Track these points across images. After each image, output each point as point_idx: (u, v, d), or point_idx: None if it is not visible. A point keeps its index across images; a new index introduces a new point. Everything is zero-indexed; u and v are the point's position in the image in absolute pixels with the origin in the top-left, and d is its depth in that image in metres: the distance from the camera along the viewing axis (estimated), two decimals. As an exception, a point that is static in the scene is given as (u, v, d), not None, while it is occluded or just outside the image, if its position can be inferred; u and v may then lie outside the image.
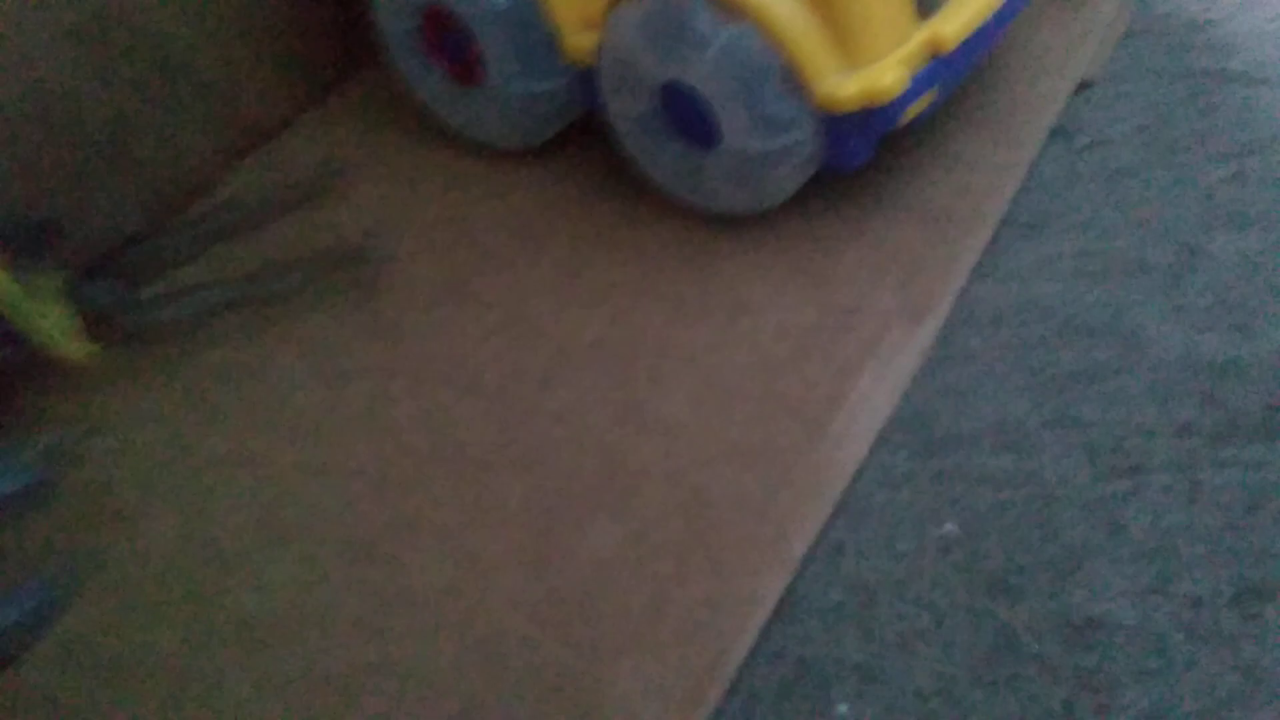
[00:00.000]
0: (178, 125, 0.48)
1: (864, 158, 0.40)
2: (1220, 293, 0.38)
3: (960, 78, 0.42)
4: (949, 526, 0.34)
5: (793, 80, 0.37)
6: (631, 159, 0.43)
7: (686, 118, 0.40)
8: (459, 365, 0.39)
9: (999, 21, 0.41)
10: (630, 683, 0.30)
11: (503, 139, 0.47)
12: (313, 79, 0.53)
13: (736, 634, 0.31)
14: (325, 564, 0.34)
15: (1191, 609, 0.31)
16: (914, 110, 0.39)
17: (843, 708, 0.30)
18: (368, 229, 0.43)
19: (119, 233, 0.46)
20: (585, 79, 0.43)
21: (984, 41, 0.41)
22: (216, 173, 0.49)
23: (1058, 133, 0.44)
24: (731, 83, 0.38)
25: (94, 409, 0.40)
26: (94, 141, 0.45)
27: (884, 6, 0.37)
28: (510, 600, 0.33)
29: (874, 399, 0.36)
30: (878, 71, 0.37)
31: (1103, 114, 0.45)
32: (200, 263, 0.45)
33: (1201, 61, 0.45)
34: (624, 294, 0.41)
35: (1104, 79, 0.46)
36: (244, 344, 0.41)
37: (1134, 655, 0.30)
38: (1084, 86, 0.46)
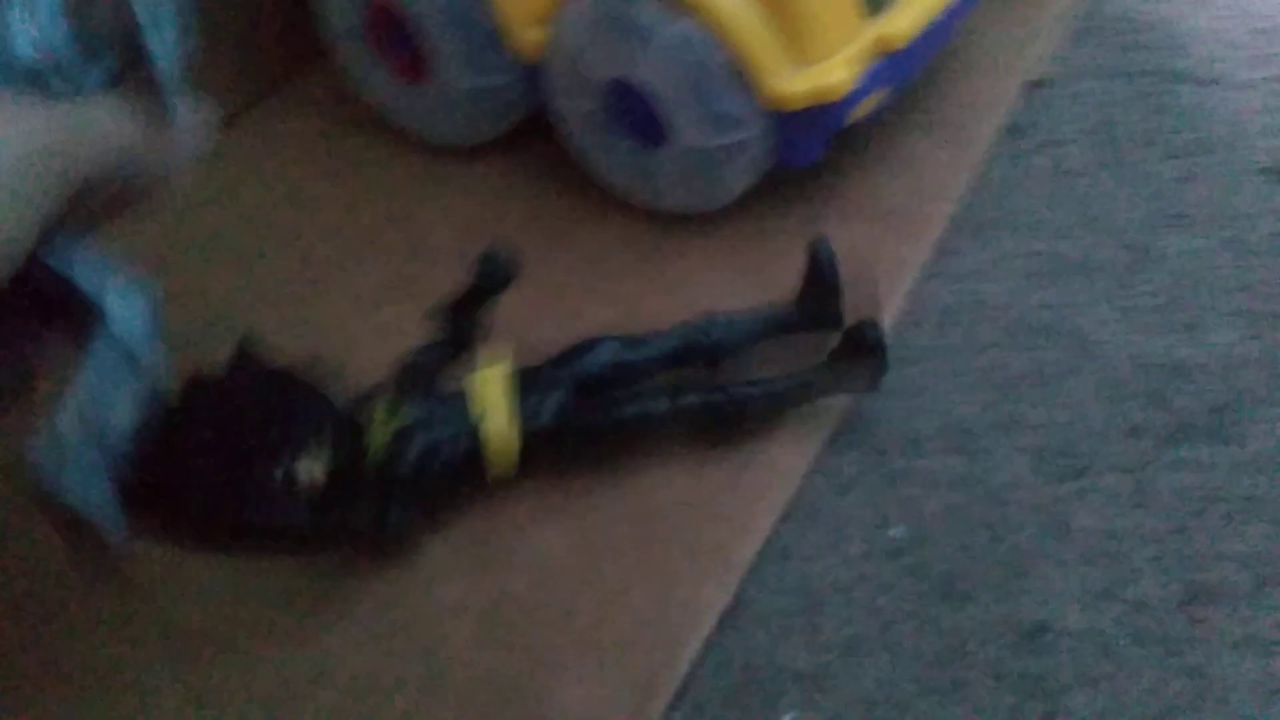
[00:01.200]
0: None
1: (814, 156, 0.40)
2: (1169, 293, 0.38)
3: (911, 77, 0.41)
4: (897, 530, 0.33)
5: (740, 77, 0.37)
6: (580, 157, 0.43)
7: (635, 115, 0.39)
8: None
9: (949, 20, 0.41)
10: (574, 693, 0.30)
11: (450, 136, 0.46)
12: (259, 74, 0.52)
13: (682, 642, 0.31)
14: (262, 572, 0.33)
15: (1139, 613, 0.31)
16: (864, 109, 0.39)
17: (789, 716, 0.30)
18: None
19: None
20: (533, 75, 0.42)
21: (935, 40, 0.41)
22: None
23: (1008, 132, 0.44)
24: (678, 79, 0.37)
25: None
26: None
27: (832, 3, 0.37)
28: (453, 607, 0.32)
29: (823, 400, 0.36)
30: (826, 69, 0.37)
31: (1053, 114, 0.44)
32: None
33: (1152, 61, 0.45)
34: (574, 294, 0.40)
35: (1054, 79, 0.46)
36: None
37: (1081, 660, 0.30)
38: (1035, 86, 0.45)
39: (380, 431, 0.32)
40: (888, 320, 0.38)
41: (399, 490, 0.31)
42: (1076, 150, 0.43)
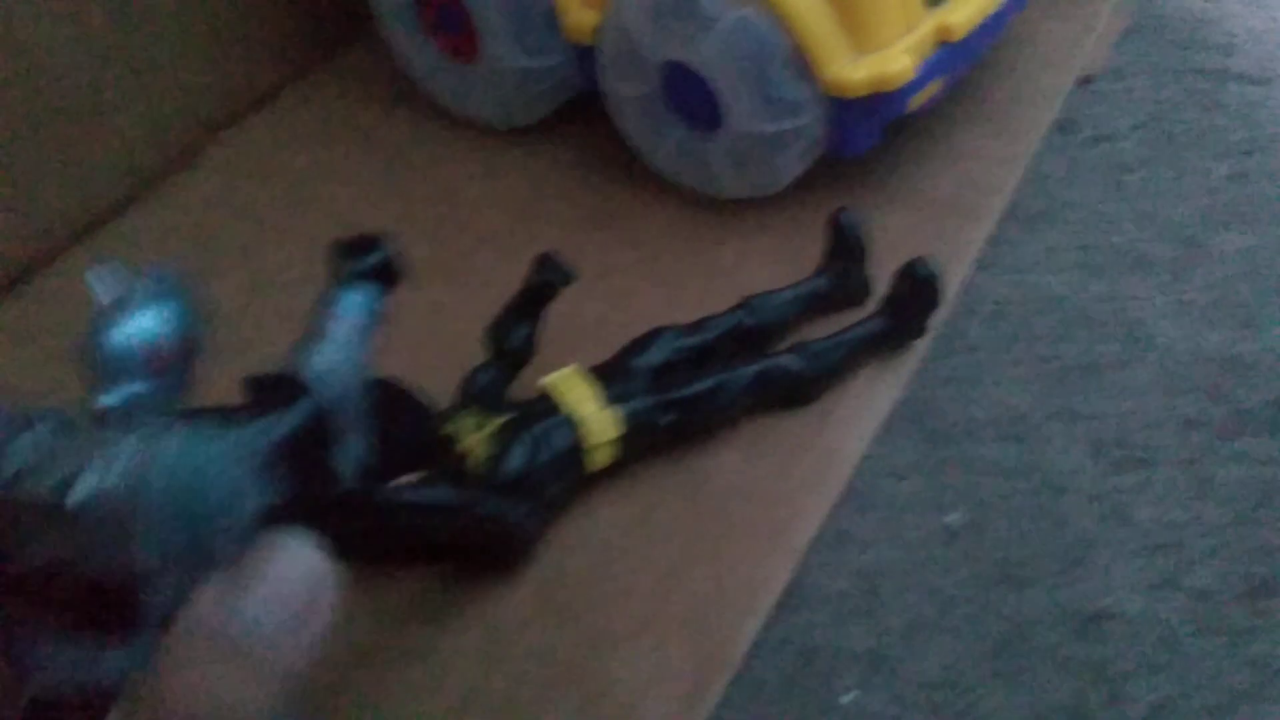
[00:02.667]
0: (159, 94, 0.46)
1: (869, 145, 0.40)
2: (1223, 289, 0.38)
3: (967, 67, 0.41)
4: (954, 516, 0.33)
5: (800, 63, 0.37)
6: (631, 140, 0.43)
7: (689, 99, 0.39)
8: (451, 348, 0.38)
9: (1006, 12, 0.41)
10: (631, 671, 0.30)
11: (496, 116, 0.46)
12: (301, 49, 0.51)
13: (740, 623, 0.31)
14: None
15: (1200, 603, 0.31)
16: (921, 98, 0.39)
17: (848, 697, 0.30)
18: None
19: (95, 206, 0.44)
20: (584, 57, 0.42)
21: (991, 31, 0.41)
22: (198, 144, 0.48)
23: (1059, 126, 0.44)
24: (737, 64, 0.37)
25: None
26: (72, 110, 0.43)
27: (895, -9, 0.37)
28: (512, 583, 0.32)
29: (878, 387, 0.36)
30: (887, 57, 0.37)
31: (1104, 109, 0.44)
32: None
33: (1203, 60, 0.45)
34: (623, 277, 0.40)
35: (1105, 74, 0.46)
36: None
37: (1143, 648, 0.30)
38: (1085, 80, 0.45)
39: (476, 439, 0.31)
40: (944, 312, 0.38)
41: (512, 491, 0.31)
42: (1128, 145, 0.43)
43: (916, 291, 0.35)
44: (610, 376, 0.33)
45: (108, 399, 0.20)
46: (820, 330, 0.36)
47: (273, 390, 0.22)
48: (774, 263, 0.40)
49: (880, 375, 0.36)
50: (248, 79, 0.49)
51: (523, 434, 0.31)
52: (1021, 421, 0.35)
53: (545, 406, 0.32)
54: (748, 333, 0.35)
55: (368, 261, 0.27)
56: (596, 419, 0.32)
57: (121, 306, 0.21)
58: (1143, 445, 0.34)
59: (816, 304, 0.37)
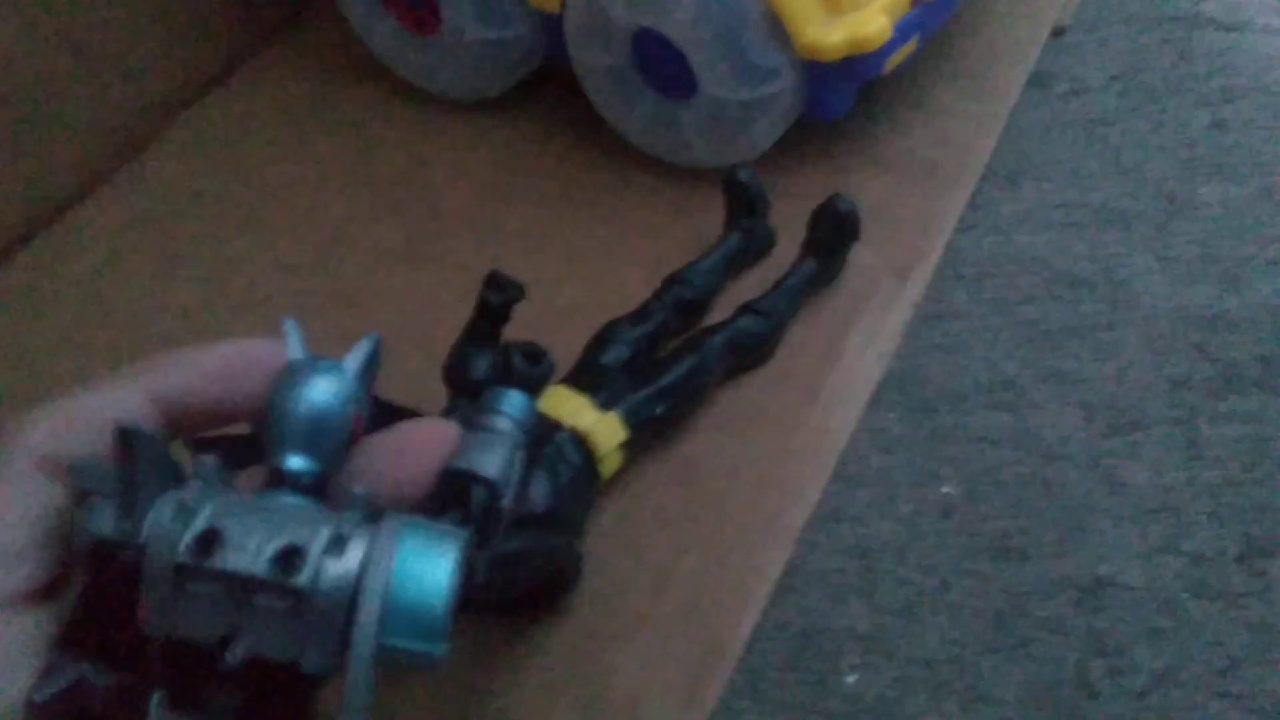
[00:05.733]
0: (112, 80, 0.44)
1: (845, 108, 0.39)
2: (1206, 243, 0.37)
3: (940, 25, 0.40)
4: (947, 488, 0.33)
5: (775, 27, 0.36)
6: (601, 110, 0.41)
7: (661, 67, 0.38)
8: (426, 333, 0.37)
9: (980, -34, 0.40)
10: (633, 666, 0.29)
11: (458, 89, 0.45)
12: (253, 26, 0.50)
13: (739, 609, 0.30)
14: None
15: (1198, 567, 0.30)
16: (897, 58, 0.38)
17: (851, 679, 0.29)
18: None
19: (49, 198, 0.43)
20: (550, 26, 0.40)
21: (965, -13, 0.40)
22: (152, 130, 0.46)
23: (1033, 80, 0.43)
24: (710, 29, 0.36)
25: None
26: (18, 100, 0.42)
27: (868, -50, 0.36)
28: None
29: (866, 359, 0.35)
30: (862, 19, 0.36)
31: (1078, 61, 0.44)
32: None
33: (1176, 7, 0.45)
34: (598, 255, 0.39)
35: (1077, 25, 0.45)
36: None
37: (1143, 615, 0.30)
38: (1057, 33, 0.45)
39: None
40: (928, 276, 0.38)
41: (551, 520, 0.29)
42: (1105, 98, 0.42)
43: (837, 226, 0.36)
44: (590, 383, 0.32)
45: (295, 463, 0.18)
46: (747, 287, 0.37)
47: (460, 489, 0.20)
48: (753, 232, 0.39)
49: (867, 345, 0.36)
50: (198, 60, 0.48)
51: (537, 461, 0.30)
52: (1010, 387, 0.34)
53: (545, 427, 0.31)
54: (689, 305, 0.36)
55: (537, 371, 0.25)
56: (600, 426, 0.31)
57: (327, 370, 0.18)
58: (1133, 407, 0.34)
59: (736, 261, 0.38)
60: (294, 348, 0.19)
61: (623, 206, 0.41)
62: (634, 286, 0.37)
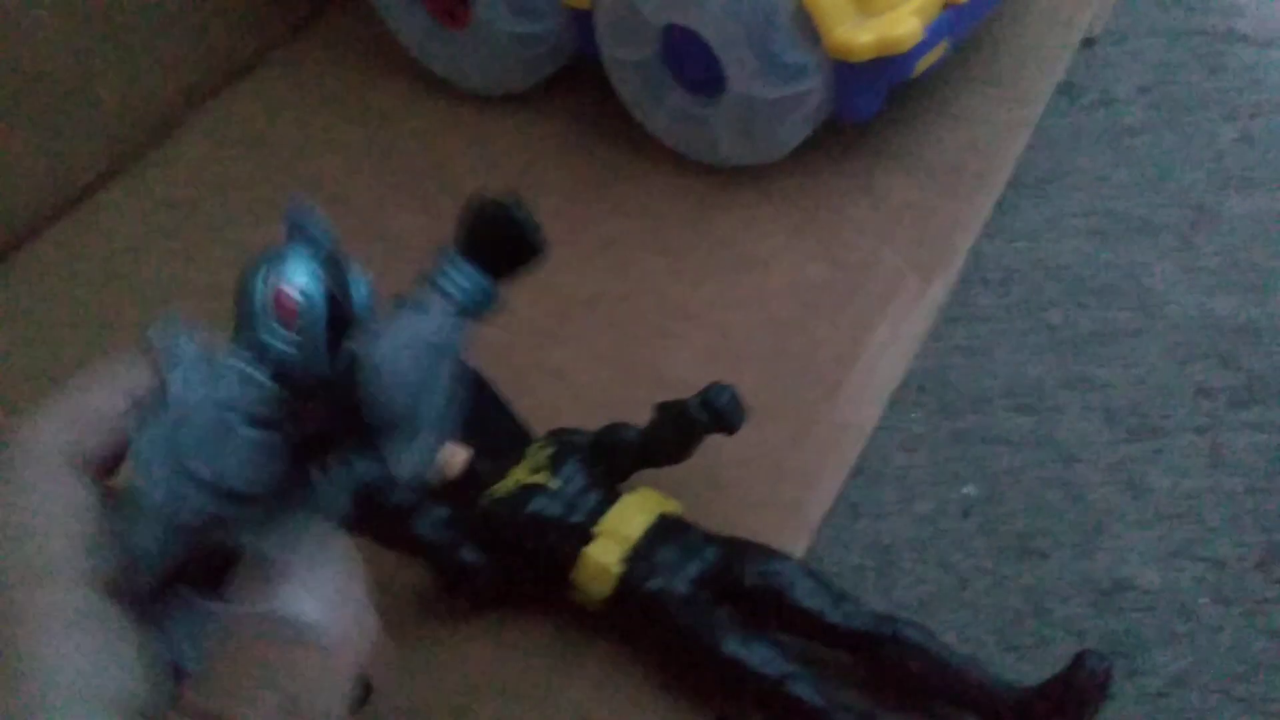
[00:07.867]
0: (141, 64, 0.45)
1: (873, 110, 0.39)
2: (1232, 254, 0.37)
3: (971, 30, 0.40)
4: (968, 488, 0.33)
5: (805, 26, 0.36)
6: (629, 107, 0.42)
7: (690, 64, 0.38)
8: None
9: (1012, -28, 0.40)
10: (647, 649, 0.29)
11: (487, 82, 0.45)
12: (285, 14, 0.50)
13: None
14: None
15: (1218, 572, 0.30)
16: (927, 61, 0.38)
17: (866, 674, 0.29)
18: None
19: (77, 178, 0.43)
20: (580, 21, 0.41)
21: (997, -7, 0.40)
22: (181, 115, 0.47)
23: (1062, 90, 0.43)
24: (740, 26, 0.36)
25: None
26: (54, 80, 0.42)
27: (902, -49, 0.36)
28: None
29: (888, 358, 0.35)
30: (894, 19, 0.36)
31: (1108, 72, 0.44)
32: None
33: (1207, 21, 0.45)
34: (623, 248, 0.39)
35: (1107, 36, 0.45)
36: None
37: (1162, 619, 0.30)
38: (1088, 43, 0.45)
39: (512, 478, 0.30)
40: (953, 279, 0.38)
41: (486, 536, 0.30)
42: (1133, 109, 0.42)
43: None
44: (674, 541, 0.30)
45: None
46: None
47: None
48: (776, 231, 0.39)
49: (890, 345, 0.36)
50: (229, 47, 0.48)
51: (545, 507, 0.30)
52: (1034, 391, 0.34)
53: (591, 506, 0.30)
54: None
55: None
56: (602, 560, 0.29)
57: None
58: (1156, 414, 0.34)
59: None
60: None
61: (648, 201, 0.41)
62: (658, 276, 0.37)
